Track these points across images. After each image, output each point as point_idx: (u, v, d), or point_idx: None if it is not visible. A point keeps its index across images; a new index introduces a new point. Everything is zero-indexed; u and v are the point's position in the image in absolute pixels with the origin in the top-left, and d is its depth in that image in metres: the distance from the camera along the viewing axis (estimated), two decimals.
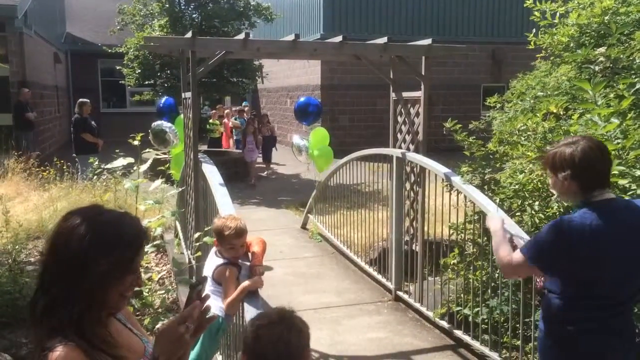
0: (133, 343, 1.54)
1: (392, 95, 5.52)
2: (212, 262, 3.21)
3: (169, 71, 12.65)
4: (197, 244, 4.07)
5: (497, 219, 2.66)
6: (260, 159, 13.21)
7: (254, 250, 3.40)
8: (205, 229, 4.17)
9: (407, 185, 5.28)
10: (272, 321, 1.60)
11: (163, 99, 10.39)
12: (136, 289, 3.45)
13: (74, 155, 9.95)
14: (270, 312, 1.67)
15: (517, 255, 2.36)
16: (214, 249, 3.29)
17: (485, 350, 3.99)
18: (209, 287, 3.22)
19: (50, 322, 1.36)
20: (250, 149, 12.14)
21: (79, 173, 9.50)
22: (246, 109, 15.76)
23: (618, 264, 2.23)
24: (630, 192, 2.84)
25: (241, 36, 4.89)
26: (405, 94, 5.36)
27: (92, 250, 1.36)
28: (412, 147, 5.26)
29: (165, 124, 7.39)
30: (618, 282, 2.26)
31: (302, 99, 8.98)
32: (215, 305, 3.18)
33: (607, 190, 2.28)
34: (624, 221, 2.22)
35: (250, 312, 2.58)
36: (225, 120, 14.08)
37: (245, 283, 2.97)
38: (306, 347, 1.61)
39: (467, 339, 4.23)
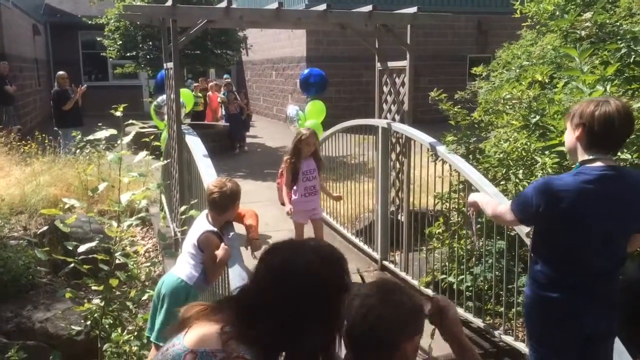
0: None
1: (378, 65, 5.46)
2: (202, 225, 3.15)
3: (151, 43, 12.38)
4: (183, 217, 4.04)
5: (475, 194, 2.70)
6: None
7: (248, 223, 3.38)
8: (192, 201, 4.14)
9: (393, 156, 5.27)
10: (368, 292, 1.51)
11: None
12: (130, 264, 3.31)
13: (56, 128, 9.80)
14: (372, 282, 1.56)
15: (505, 203, 2.44)
16: (205, 212, 3.24)
17: (469, 316, 4.05)
18: (189, 250, 3.16)
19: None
20: None
21: (61, 147, 9.37)
22: (227, 81, 14.23)
23: (599, 231, 2.22)
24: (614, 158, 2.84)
25: (223, 4, 4.78)
26: (390, 64, 5.31)
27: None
28: (397, 117, 5.24)
29: (161, 98, 7.24)
30: (600, 251, 2.25)
31: (305, 71, 8.85)
32: (188, 272, 3.14)
33: (610, 156, 2.23)
34: (613, 190, 2.18)
35: (233, 278, 2.57)
36: (210, 93, 13.82)
37: (220, 252, 2.90)
38: (406, 323, 1.44)
39: None
